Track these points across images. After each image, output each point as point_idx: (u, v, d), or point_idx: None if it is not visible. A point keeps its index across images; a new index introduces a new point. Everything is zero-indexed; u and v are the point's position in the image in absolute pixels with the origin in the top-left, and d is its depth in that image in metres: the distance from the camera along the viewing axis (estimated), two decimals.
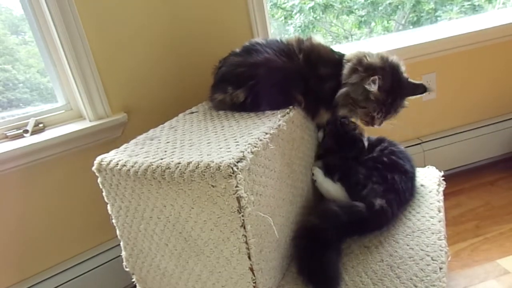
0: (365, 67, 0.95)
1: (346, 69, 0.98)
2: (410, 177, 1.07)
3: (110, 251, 1.33)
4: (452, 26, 1.80)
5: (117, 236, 0.90)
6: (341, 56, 1.03)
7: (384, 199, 0.97)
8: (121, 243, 0.90)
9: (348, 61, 1.00)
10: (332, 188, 1.04)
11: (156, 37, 1.33)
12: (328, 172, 1.07)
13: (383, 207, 0.96)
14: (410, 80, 0.97)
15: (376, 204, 0.96)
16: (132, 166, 0.79)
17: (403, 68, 0.99)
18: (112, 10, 1.24)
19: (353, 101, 0.98)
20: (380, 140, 1.12)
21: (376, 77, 0.93)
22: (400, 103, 0.99)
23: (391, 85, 0.95)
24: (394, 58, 0.99)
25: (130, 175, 0.78)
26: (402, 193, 1.02)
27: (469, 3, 2.15)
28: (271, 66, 1.00)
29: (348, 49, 1.07)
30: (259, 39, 1.08)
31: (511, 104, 1.80)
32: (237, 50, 1.08)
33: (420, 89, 0.97)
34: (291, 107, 0.99)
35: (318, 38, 1.06)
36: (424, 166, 1.26)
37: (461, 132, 1.74)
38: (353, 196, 1.00)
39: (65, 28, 1.17)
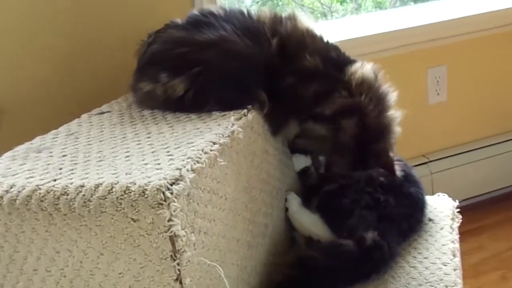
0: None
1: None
2: (414, 203, 1.13)
3: None
4: (469, 2, 1.89)
5: None
6: (341, 57, 1.11)
7: (376, 230, 1.02)
8: None
9: (356, 84, 1.07)
10: (307, 221, 1.08)
11: (50, 2, 1.32)
12: (306, 198, 1.12)
13: (377, 242, 1.01)
14: None
15: (368, 238, 1.01)
16: (7, 192, 0.75)
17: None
18: None
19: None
20: None
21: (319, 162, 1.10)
22: None
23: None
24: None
25: (2, 205, 0.75)
26: (399, 221, 1.08)
27: None
28: (228, 48, 1.02)
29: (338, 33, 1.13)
30: (214, 7, 1.12)
31: None
32: (179, 21, 1.09)
33: None
34: (249, 107, 1.01)
35: (306, 20, 1.11)
36: (433, 193, 1.31)
37: (480, 148, 1.85)
38: (336, 229, 1.05)
39: None
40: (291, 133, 1.10)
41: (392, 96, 1.11)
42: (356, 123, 1.06)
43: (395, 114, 1.11)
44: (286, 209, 1.12)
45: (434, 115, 1.78)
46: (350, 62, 1.10)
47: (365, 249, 0.99)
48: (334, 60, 1.08)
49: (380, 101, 1.07)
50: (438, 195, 1.30)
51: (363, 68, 1.08)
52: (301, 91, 1.05)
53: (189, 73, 1.00)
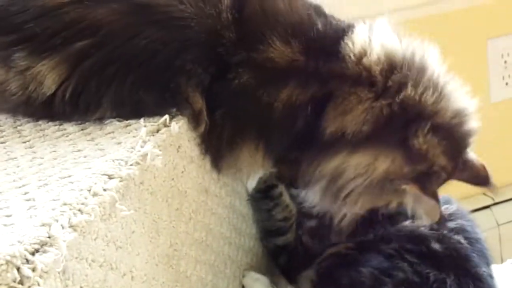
0: None
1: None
2: None
3: None
4: None
5: None
6: (330, 25, 1.11)
7: None
8: None
9: (373, 72, 1.08)
10: None
11: None
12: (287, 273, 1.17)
13: None
14: None
15: None
16: None
17: None
18: None
19: None
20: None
21: None
22: None
23: None
24: None
25: None
26: None
27: None
28: (140, 3, 1.02)
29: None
30: None
31: None
32: None
33: None
34: (173, 111, 1.03)
35: None
36: (501, 259, 1.37)
37: None
38: None
39: None
40: (249, 168, 1.13)
41: (435, 65, 1.13)
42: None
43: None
44: None
45: (500, 122, 1.81)
46: (344, 31, 1.10)
47: None
48: (324, 38, 1.09)
49: (419, 81, 1.08)
50: (511, 263, 1.34)
51: (374, 37, 1.09)
52: (263, 92, 1.06)
53: (67, 50, 1.01)
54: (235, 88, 1.05)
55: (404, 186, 1.09)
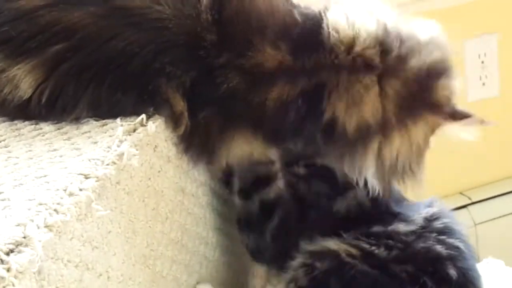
0: None
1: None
2: None
3: None
4: None
5: None
6: (308, 15, 1.11)
7: None
8: None
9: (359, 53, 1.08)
10: None
11: None
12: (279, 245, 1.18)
13: None
14: None
15: None
16: None
17: None
18: None
19: None
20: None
21: None
22: None
23: None
24: None
25: None
26: None
27: None
28: (119, 6, 1.02)
29: None
30: None
31: None
32: None
33: None
34: (151, 110, 1.03)
35: None
36: (478, 258, 1.36)
37: None
38: None
39: None
40: (239, 153, 1.12)
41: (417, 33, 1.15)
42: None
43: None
44: None
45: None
46: (320, 19, 1.09)
47: None
48: (305, 31, 1.08)
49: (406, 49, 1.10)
50: (488, 261, 1.37)
51: (352, 20, 1.09)
52: (255, 100, 1.06)
53: (43, 54, 1.01)
54: (224, 92, 1.05)
55: (443, 129, 1.12)
